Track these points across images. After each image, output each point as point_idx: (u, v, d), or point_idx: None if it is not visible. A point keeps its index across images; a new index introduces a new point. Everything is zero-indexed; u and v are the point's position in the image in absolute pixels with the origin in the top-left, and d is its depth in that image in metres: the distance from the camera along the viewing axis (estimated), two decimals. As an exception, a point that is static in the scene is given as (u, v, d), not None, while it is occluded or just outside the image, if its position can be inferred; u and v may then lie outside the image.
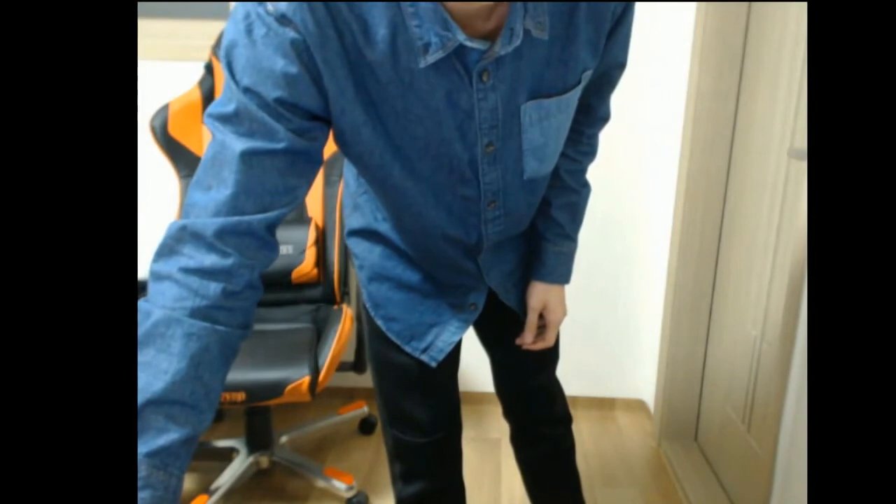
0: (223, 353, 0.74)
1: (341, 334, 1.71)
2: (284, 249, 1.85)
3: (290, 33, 0.71)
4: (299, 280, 1.86)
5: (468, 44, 0.72)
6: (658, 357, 2.04)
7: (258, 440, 1.83)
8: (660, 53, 1.96)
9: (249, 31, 0.71)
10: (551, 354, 1.21)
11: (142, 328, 0.70)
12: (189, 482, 1.85)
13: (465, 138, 0.82)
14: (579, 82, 0.85)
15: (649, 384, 2.17)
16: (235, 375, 1.54)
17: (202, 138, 1.91)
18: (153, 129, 1.85)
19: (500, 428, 2.14)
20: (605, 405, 2.28)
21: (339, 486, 1.76)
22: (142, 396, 0.68)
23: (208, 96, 1.90)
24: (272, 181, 0.76)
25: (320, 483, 1.83)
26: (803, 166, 1.36)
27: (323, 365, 1.61)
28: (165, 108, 1.86)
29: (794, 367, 1.20)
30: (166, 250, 0.73)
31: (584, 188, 1.09)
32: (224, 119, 0.74)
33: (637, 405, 2.26)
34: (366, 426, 2.12)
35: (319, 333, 1.73)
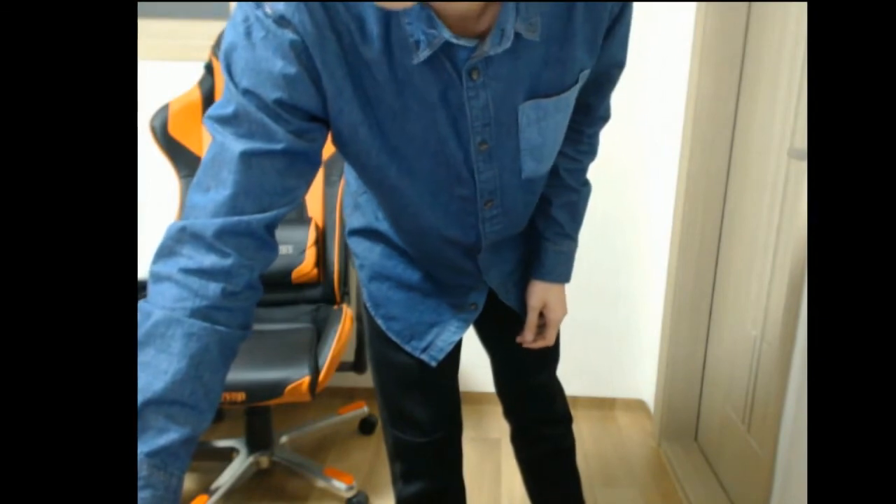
0: (223, 354, 0.74)
1: (341, 334, 1.71)
2: (284, 249, 1.85)
3: (289, 35, 0.71)
4: (299, 280, 1.86)
5: (455, 41, 0.72)
6: (658, 357, 2.04)
7: (258, 440, 1.83)
8: (660, 53, 1.96)
9: (248, 33, 0.72)
10: (552, 354, 1.21)
11: (142, 328, 0.71)
12: (189, 482, 1.85)
13: (460, 136, 0.82)
14: (577, 82, 0.85)
15: (649, 384, 2.17)
16: (235, 375, 1.54)
17: (202, 138, 1.91)
18: (153, 129, 1.85)
19: (500, 428, 2.14)
20: (605, 405, 2.28)
21: (339, 486, 1.76)
22: (142, 396, 0.68)
23: (208, 96, 1.90)
24: (271, 182, 0.76)
25: (320, 483, 1.83)
26: (803, 166, 1.36)
27: (323, 365, 1.61)
28: (165, 108, 1.86)
29: (794, 367, 1.20)
30: (166, 251, 0.74)
31: (585, 187, 1.09)
32: (223, 121, 0.74)
33: (637, 405, 2.26)
34: (366, 426, 2.12)
35: (319, 333, 1.73)
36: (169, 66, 2.02)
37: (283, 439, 1.91)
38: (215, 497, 1.68)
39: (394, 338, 1.06)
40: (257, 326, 1.79)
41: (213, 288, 0.73)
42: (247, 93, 0.73)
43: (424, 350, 1.05)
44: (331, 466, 1.87)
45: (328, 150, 1.89)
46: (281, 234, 1.84)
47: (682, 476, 1.86)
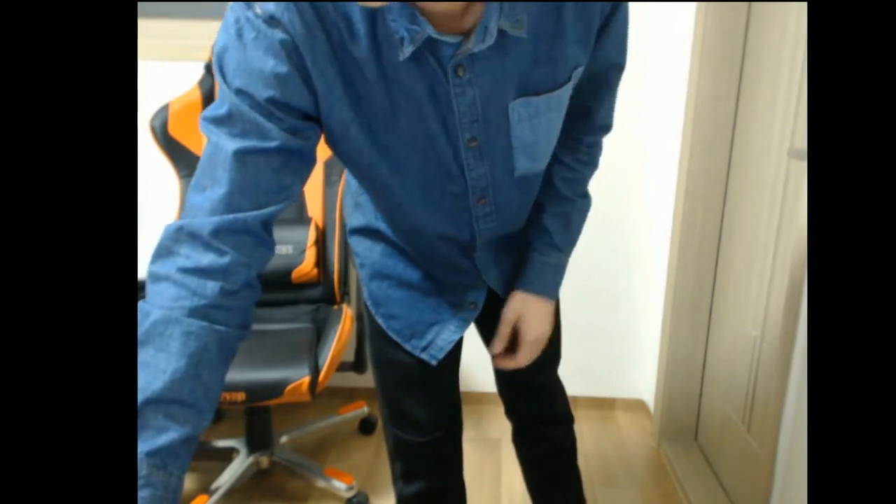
0: (222, 353, 0.74)
1: (341, 334, 1.71)
2: (284, 249, 1.85)
3: (279, 34, 0.72)
4: (299, 280, 1.86)
5: (438, 38, 0.73)
6: (658, 357, 2.04)
7: (258, 440, 1.83)
8: (660, 54, 1.96)
9: (240, 34, 0.72)
10: (553, 354, 1.21)
11: (141, 328, 0.71)
12: (189, 482, 1.85)
13: (449, 133, 0.82)
14: (569, 79, 0.85)
15: (649, 384, 2.17)
16: (235, 375, 1.54)
17: (202, 138, 1.91)
18: (153, 129, 1.85)
19: (500, 428, 2.14)
20: (605, 405, 2.28)
21: (339, 486, 1.76)
22: (141, 395, 0.68)
23: (208, 96, 1.90)
24: (266, 179, 0.77)
25: (320, 483, 1.83)
26: (803, 166, 1.36)
27: (323, 365, 1.61)
28: (165, 108, 1.86)
29: (794, 367, 1.20)
30: (163, 251, 0.74)
31: (582, 199, 1.05)
32: (217, 121, 0.75)
33: (637, 405, 2.27)
34: (366, 426, 2.12)
35: (319, 333, 1.73)
36: (169, 66, 2.02)
37: (283, 439, 1.91)
38: (215, 497, 1.68)
39: (394, 336, 1.06)
40: (257, 326, 1.79)
41: (212, 287, 0.73)
42: (239, 92, 0.73)
43: (424, 349, 1.05)
44: (331, 466, 1.87)
45: (327, 151, 1.90)
46: (281, 234, 1.85)
47: (682, 476, 1.86)
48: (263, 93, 0.73)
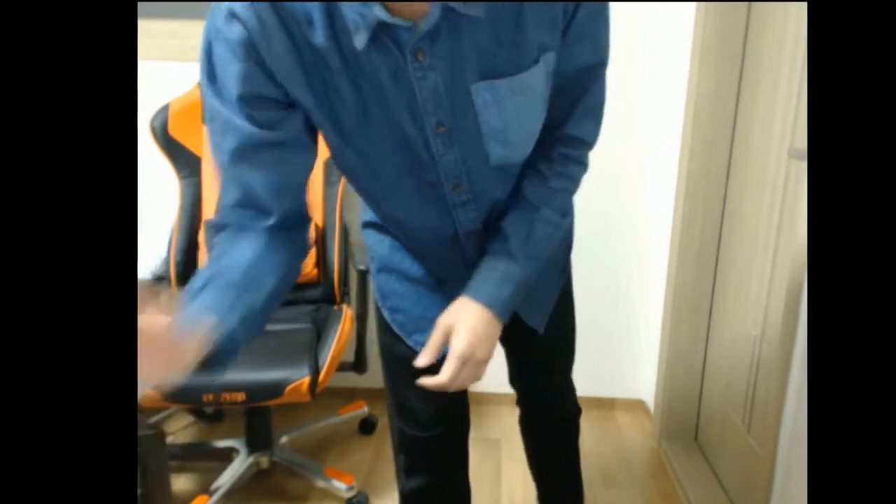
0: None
1: (341, 334, 1.70)
2: (284, 249, 1.85)
3: (237, 30, 0.75)
4: (299, 280, 1.86)
5: (389, 21, 0.72)
6: (658, 357, 2.04)
7: (258, 440, 1.83)
8: (660, 54, 1.96)
9: (209, 40, 0.77)
10: (566, 356, 1.22)
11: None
12: (189, 482, 1.85)
13: (415, 120, 0.82)
14: (536, 63, 0.81)
15: (649, 384, 2.17)
16: (235, 376, 1.54)
17: (202, 138, 1.91)
18: (153, 129, 1.85)
19: (499, 428, 2.14)
20: (605, 405, 2.28)
21: (339, 486, 1.76)
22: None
23: (208, 96, 1.90)
24: (268, 176, 0.81)
25: (320, 483, 1.83)
26: (803, 166, 1.36)
27: (323, 365, 1.61)
28: (165, 108, 1.86)
29: (794, 367, 1.20)
30: (208, 248, 0.81)
31: (549, 210, 0.94)
32: (208, 126, 0.80)
33: (637, 405, 2.26)
34: (366, 426, 2.12)
35: (319, 333, 1.73)
36: (169, 66, 2.01)
37: (283, 439, 1.91)
38: (215, 497, 1.68)
39: (397, 330, 1.05)
40: (257, 326, 1.79)
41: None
42: (216, 94, 0.77)
43: (424, 345, 1.02)
44: (331, 466, 1.87)
45: (327, 151, 1.90)
46: (281, 234, 1.85)
47: (682, 476, 1.86)
48: (233, 91, 0.77)
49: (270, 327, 1.75)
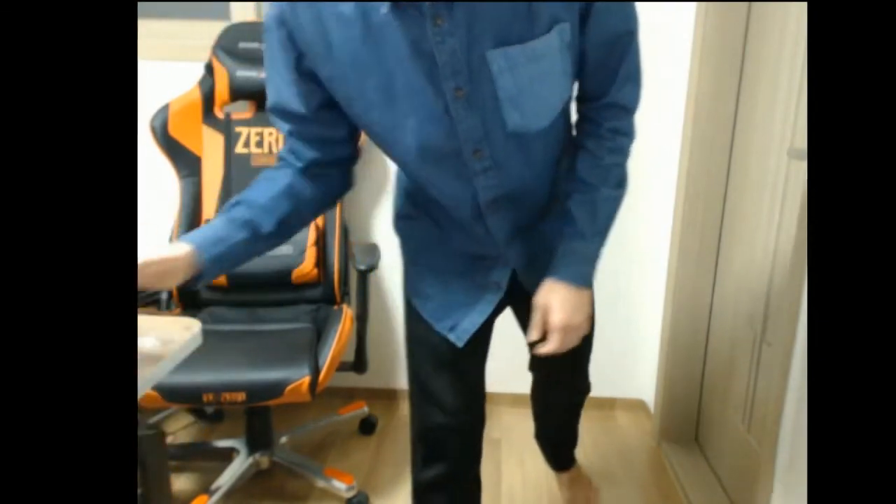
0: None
1: (341, 334, 1.70)
2: (284, 249, 1.85)
3: (274, 7, 0.89)
4: (299, 280, 1.86)
5: None
6: (658, 357, 2.04)
7: (258, 440, 1.83)
8: (660, 53, 1.96)
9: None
10: (580, 351, 1.22)
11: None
12: (189, 482, 1.85)
13: (435, 85, 0.86)
14: (548, 32, 0.86)
15: (649, 384, 2.17)
16: (235, 376, 1.54)
17: (202, 138, 1.91)
18: (153, 129, 1.85)
19: (500, 428, 2.14)
20: (605, 405, 2.28)
21: (339, 486, 1.76)
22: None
23: (208, 96, 1.90)
24: (299, 129, 0.98)
25: (320, 483, 1.83)
26: (803, 166, 1.36)
27: (323, 365, 1.61)
28: (165, 108, 1.86)
29: (794, 367, 1.20)
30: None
31: (609, 189, 1.01)
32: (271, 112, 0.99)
33: (637, 405, 2.26)
34: (366, 426, 2.12)
35: (319, 333, 1.73)
36: (169, 66, 2.01)
37: (283, 439, 1.91)
38: (215, 497, 1.68)
39: (427, 317, 1.10)
40: (257, 326, 1.79)
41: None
42: (267, 56, 0.94)
43: (452, 329, 1.09)
44: (331, 466, 1.87)
45: (328, 150, 1.89)
46: (281, 234, 1.85)
47: (682, 476, 1.86)
48: (276, 57, 0.92)
49: (270, 327, 1.76)
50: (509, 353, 1.68)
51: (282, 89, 0.93)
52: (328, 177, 1.02)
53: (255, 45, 1.89)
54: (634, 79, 0.99)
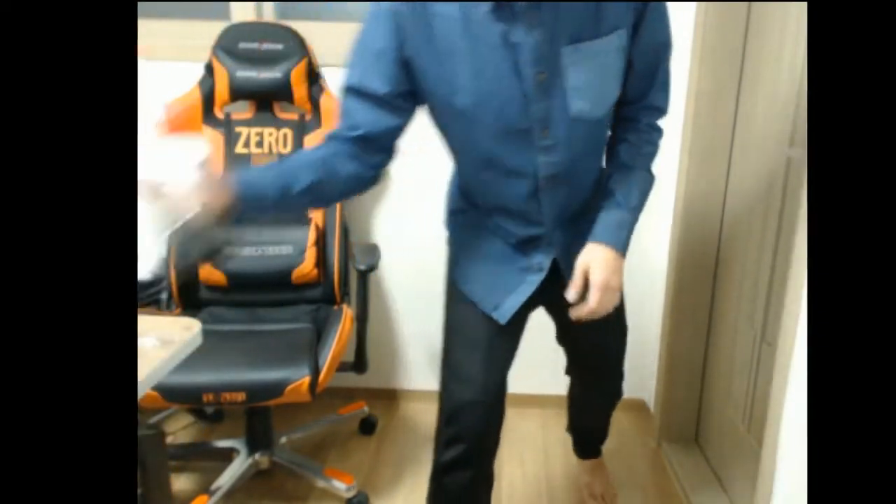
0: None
1: (341, 334, 1.70)
2: (284, 249, 1.85)
3: (390, 8, 1.03)
4: (299, 280, 1.86)
5: None
6: (658, 357, 2.04)
7: (258, 440, 1.83)
8: (660, 53, 1.96)
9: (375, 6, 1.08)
10: (615, 351, 1.43)
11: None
12: (189, 482, 1.85)
13: (518, 72, 1.04)
14: (609, 34, 1.05)
15: (649, 384, 2.17)
16: (235, 375, 1.54)
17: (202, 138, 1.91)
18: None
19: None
20: (605, 405, 2.27)
21: (339, 486, 1.76)
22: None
23: (208, 96, 1.90)
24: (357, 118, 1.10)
25: (320, 483, 1.83)
26: (803, 166, 1.36)
27: (323, 365, 1.61)
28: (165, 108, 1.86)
29: (794, 367, 1.20)
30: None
31: (643, 170, 1.20)
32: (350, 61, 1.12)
33: (637, 405, 2.26)
34: (366, 426, 2.12)
35: (319, 334, 1.73)
36: (169, 66, 2.01)
37: (283, 439, 1.91)
38: (215, 497, 1.68)
39: (474, 298, 1.23)
40: (257, 326, 1.79)
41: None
42: (359, 41, 1.09)
43: (496, 308, 1.21)
44: (331, 466, 1.87)
45: (328, 150, 1.89)
46: (281, 234, 1.85)
47: (682, 476, 1.86)
48: (369, 44, 1.06)
49: (270, 327, 1.76)
50: (509, 353, 1.67)
51: (369, 71, 1.06)
52: (366, 161, 1.11)
53: (254, 45, 1.89)
54: (667, 86, 1.19)
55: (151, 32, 2.01)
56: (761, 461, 1.31)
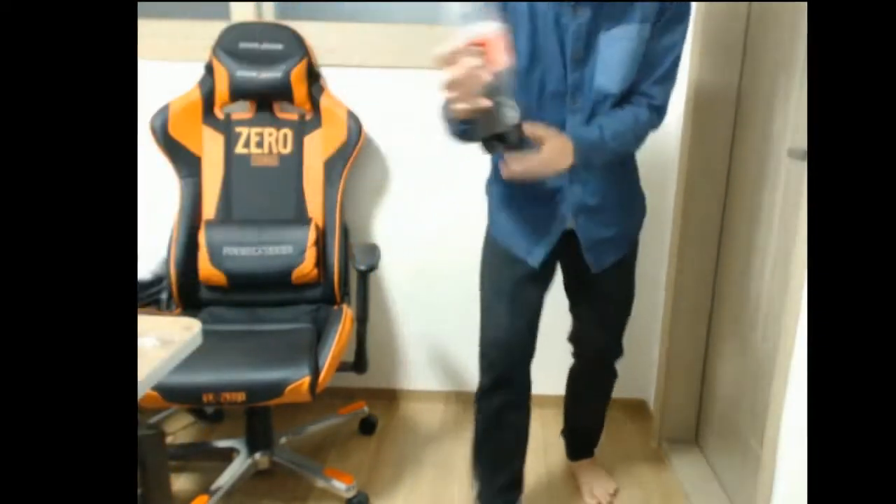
0: None
1: (341, 334, 1.70)
2: (284, 249, 1.85)
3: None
4: (299, 280, 1.86)
5: None
6: (658, 357, 2.04)
7: (258, 440, 1.83)
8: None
9: None
10: (619, 316, 1.61)
11: None
12: (189, 482, 1.85)
13: (562, 48, 1.29)
14: (635, 23, 1.27)
15: (649, 384, 2.17)
16: (235, 375, 1.54)
17: (202, 139, 1.91)
18: (153, 129, 1.85)
19: (500, 428, 2.13)
20: (605, 405, 2.27)
21: (339, 486, 1.76)
22: None
23: (208, 96, 1.90)
24: None
25: (320, 483, 1.83)
26: (803, 166, 1.36)
27: (323, 365, 1.61)
28: (165, 108, 1.86)
29: (794, 367, 1.20)
30: None
31: (633, 124, 1.35)
32: None
33: (637, 405, 2.26)
34: (366, 426, 2.12)
35: (319, 333, 1.73)
36: (169, 66, 2.01)
37: (283, 439, 1.91)
38: (216, 497, 1.68)
39: (511, 246, 1.46)
40: (257, 326, 1.79)
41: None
42: None
43: (529, 254, 1.44)
44: (331, 466, 1.87)
45: (327, 150, 1.90)
46: (281, 234, 1.85)
47: (683, 476, 1.86)
48: None
49: (270, 327, 1.76)
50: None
51: None
52: None
53: (254, 45, 1.89)
54: (665, 80, 1.36)
55: (151, 32, 2.01)
56: (761, 461, 1.31)
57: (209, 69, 1.90)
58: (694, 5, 1.75)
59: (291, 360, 1.57)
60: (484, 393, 1.52)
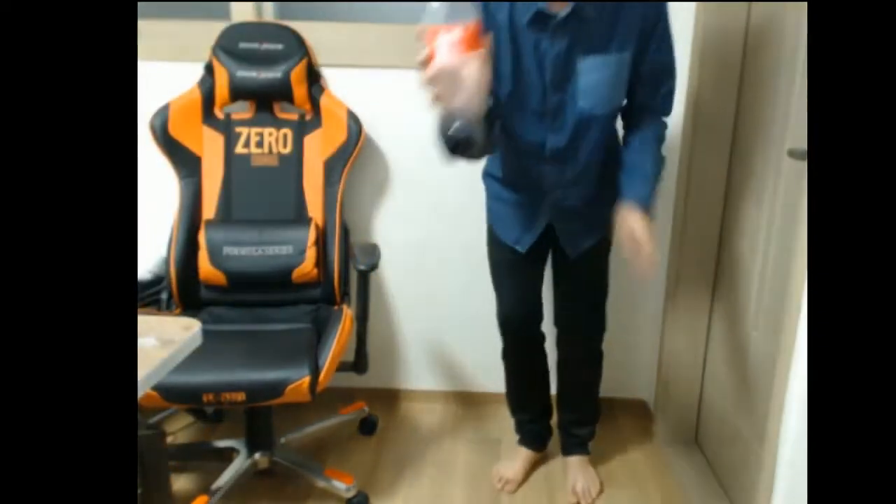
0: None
1: (341, 334, 1.70)
2: (284, 249, 1.85)
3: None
4: (299, 280, 1.86)
5: (545, 10, 1.31)
6: (658, 357, 2.04)
7: (258, 440, 1.83)
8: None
9: None
10: (593, 291, 1.75)
11: None
12: (189, 482, 1.85)
13: (542, 72, 1.37)
14: (615, 53, 1.36)
15: (649, 384, 2.17)
16: (235, 375, 1.54)
17: (202, 138, 1.91)
18: (153, 129, 1.85)
19: (500, 428, 2.14)
20: (605, 405, 2.27)
21: (340, 486, 1.76)
22: None
23: (208, 96, 1.90)
24: None
25: (320, 483, 1.83)
26: (803, 166, 1.36)
27: (323, 365, 1.61)
28: (165, 108, 1.86)
29: (795, 367, 1.20)
30: None
31: (653, 147, 1.51)
32: None
33: (637, 405, 2.26)
34: (366, 426, 2.12)
35: (319, 334, 1.73)
36: (169, 66, 2.01)
37: (283, 439, 1.91)
38: (216, 497, 1.68)
39: (502, 235, 1.65)
40: (257, 326, 1.79)
41: None
42: None
43: (517, 242, 1.62)
44: (331, 466, 1.87)
45: (327, 150, 1.89)
46: (281, 234, 1.85)
47: (683, 476, 1.86)
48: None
49: (270, 327, 1.76)
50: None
51: None
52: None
53: (254, 45, 1.89)
54: (670, 93, 1.47)
55: (151, 32, 2.01)
56: (761, 461, 1.31)
57: (209, 69, 1.90)
58: (694, 6, 1.75)
59: (291, 360, 1.57)
60: (504, 351, 1.83)
